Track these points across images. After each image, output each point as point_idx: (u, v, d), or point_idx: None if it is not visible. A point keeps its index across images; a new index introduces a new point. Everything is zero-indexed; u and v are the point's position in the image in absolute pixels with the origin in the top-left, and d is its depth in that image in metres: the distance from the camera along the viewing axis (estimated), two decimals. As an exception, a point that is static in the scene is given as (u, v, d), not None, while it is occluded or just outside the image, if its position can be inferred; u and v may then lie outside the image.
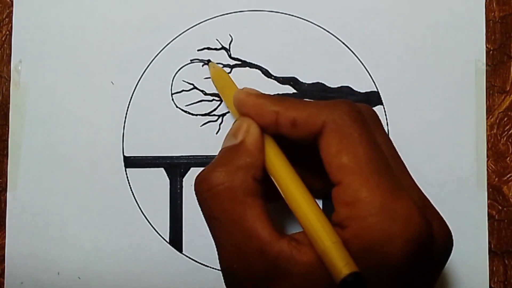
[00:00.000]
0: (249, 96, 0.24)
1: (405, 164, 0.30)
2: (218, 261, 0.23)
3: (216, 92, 0.31)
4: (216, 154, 0.30)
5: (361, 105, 0.23)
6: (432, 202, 0.30)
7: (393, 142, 0.30)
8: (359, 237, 0.20)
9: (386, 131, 0.24)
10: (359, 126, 0.21)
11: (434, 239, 0.21)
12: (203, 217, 0.30)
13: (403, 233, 0.19)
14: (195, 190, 0.23)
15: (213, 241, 0.23)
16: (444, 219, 0.22)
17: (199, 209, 0.30)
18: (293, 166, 0.23)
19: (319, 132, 0.22)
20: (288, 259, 0.20)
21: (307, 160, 0.24)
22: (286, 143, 0.24)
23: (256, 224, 0.21)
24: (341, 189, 0.21)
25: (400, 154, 0.30)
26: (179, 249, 0.30)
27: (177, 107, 0.31)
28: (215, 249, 0.23)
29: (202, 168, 0.30)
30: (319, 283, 0.20)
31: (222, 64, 0.31)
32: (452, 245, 0.22)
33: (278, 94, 0.30)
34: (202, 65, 0.31)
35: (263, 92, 0.25)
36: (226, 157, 0.23)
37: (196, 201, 0.30)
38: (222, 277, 0.23)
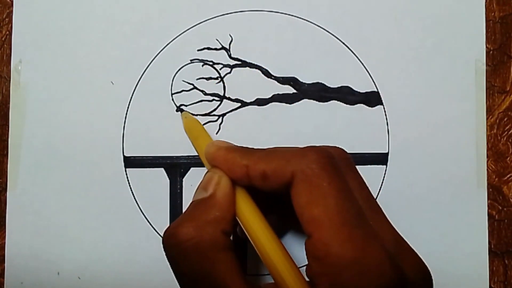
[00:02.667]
0: (219, 150, 0.24)
1: (405, 166, 0.31)
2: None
3: (217, 92, 0.31)
4: (216, 154, 0.30)
5: (333, 149, 0.23)
6: (433, 202, 0.30)
7: (392, 143, 0.30)
8: None
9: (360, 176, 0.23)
10: (329, 174, 0.21)
11: (410, 284, 0.20)
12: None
13: (375, 286, 0.19)
14: (163, 245, 0.22)
15: None
16: (422, 259, 0.22)
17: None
18: (274, 213, 0.23)
19: (289, 183, 0.21)
20: None
21: (287, 206, 0.24)
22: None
23: (227, 280, 0.20)
24: (312, 243, 0.20)
25: (400, 154, 0.30)
26: (179, 249, 0.30)
27: (177, 107, 0.31)
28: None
29: (202, 169, 0.30)
30: None
31: (222, 64, 0.31)
32: (431, 286, 0.22)
33: (278, 94, 0.30)
34: (202, 65, 0.31)
35: (232, 144, 0.25)
36: (195, 211, 0.23)
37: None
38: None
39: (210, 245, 0.21)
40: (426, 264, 0.22)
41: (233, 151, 0.24)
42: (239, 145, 0.28)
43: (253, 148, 0.24)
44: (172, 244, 0.22)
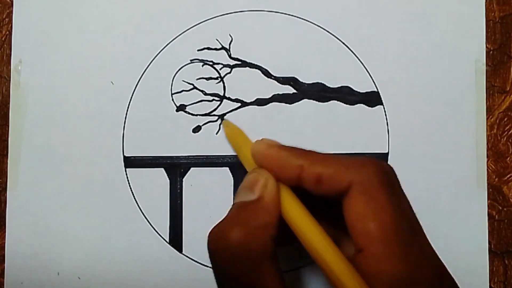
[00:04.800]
0: (271, 148, 0.23)
1: (405, 166, 0.31)
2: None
3: (217, 92, 0.31)
4: (216, 154, 0.30)
5: (386, 165, 0.22)
6: (433, 202, 0.30)
7: (392, 143, 0.30)
8: None
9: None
10: (387, 189, 0.20)
11: None
12: (202, 217, 0.30)
13: None
14: (208, 247, 0.21)
15: None
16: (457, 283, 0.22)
17: (199, 209, 0.30)
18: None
19: (344, 191, 0.21)
20: None
21: (321, 207, 0.23)
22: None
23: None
24: (364, 257, 0.20)
25: (400, 154, 0.30)
26: (179, 249, 0.30)
27: (177, 107, 0.31)
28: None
29: (202, 169, 0.30)
30: None
31: (222, 64, 0.31)
32: None
33: (278, 94, 0.30)
34: (202, 65, 0.31)
35: (281, 144, 0.24)
36: (243, 214, 0.22)
37: (196, 202, 0.30)
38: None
39: (259, 252, 0.20)
40: None
41: (286, 150, 0.23)
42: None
43: (307, 150, 0.23)
44: (221, 247, 0.21)
